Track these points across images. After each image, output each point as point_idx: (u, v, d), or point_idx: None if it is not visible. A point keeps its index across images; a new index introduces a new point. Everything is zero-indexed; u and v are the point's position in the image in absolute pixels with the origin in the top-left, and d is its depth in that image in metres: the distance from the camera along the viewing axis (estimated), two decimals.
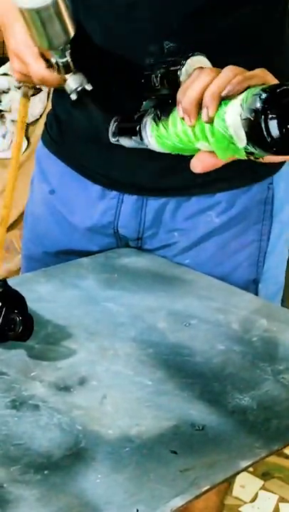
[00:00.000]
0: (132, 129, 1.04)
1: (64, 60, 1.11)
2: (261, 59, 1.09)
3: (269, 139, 0.82)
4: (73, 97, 1.15)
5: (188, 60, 0.98)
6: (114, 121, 1.09)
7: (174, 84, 0.98)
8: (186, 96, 0.91)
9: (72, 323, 1.14)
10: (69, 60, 1.11)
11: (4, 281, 1.07)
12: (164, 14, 1.13)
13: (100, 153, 1.29)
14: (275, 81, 0.90)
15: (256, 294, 1.34)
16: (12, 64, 1.18)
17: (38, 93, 1.37)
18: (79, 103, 1.18)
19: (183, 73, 0.97)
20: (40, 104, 2.66)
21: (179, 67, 0.98)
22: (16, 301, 1.05)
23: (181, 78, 0.97)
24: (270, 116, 0.82)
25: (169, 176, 1.27)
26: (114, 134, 1.08)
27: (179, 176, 1.24)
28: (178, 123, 0.97)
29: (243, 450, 0.92)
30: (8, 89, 2.73)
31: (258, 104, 0.82)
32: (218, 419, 0.97)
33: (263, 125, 0.82)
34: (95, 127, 1.25)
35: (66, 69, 1.13)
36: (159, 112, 0.99)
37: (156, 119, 1.00)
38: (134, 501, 0.82)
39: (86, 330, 1.13)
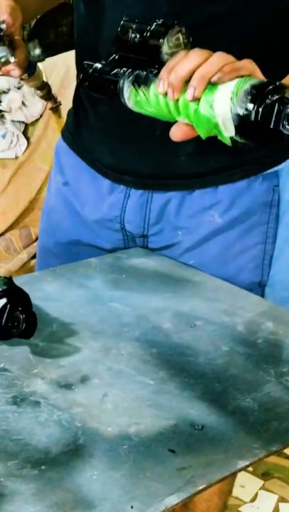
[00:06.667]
0: (106, 88, 1.03)
1: None
2: (253, 46, 1.10)
3: (258, 133, 0.89)
4: None
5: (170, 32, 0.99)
6: (83, 69, 1.07)
7: (153, 52, 0.99)
8: (175, 71, 0.93)
9: (77, 322, 1.15)
10: None
11: (10, 278, 1.08)
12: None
13: (110, 147, 1.31)
14: (261, 74, 0.93)
15: (262, 297, 1.34)
16: None
17: (57, 105, 1.39)
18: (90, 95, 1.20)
19: (165, 43, 0.98)
20: (40, 104, 2.68)
21: (160, 38, 0.99)
22: (20, 298, 1.05)
23: (164, 50, 0.98)
24: (260, 114, 0.87)
25: (173, 163, 1.28)
26: (84, 83, 1.07)
27: (183, 164, 1.27)
28: (160, 95, 0.98)
29: (242, 450, 0.92)
30: (8, 89, 2.76)
31: (249, 104, 0.88)
32: (217, 419, 0.97)
33: (253, 122, 0.88)
34: (102, 120, 1.26)
35: None
36: (138, 79, 1.00)
37: (136, 85, 1.00)
38: (129, 498, 0.83)
39: (91, 329, 1.14)
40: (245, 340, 1.15)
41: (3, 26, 1.17)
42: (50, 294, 1.23)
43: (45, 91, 1.42)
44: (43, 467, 0.86)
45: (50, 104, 1.40)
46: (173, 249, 1.37)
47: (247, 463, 0.90)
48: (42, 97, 1.42)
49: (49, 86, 1.54)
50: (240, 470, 0.90)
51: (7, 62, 1.19)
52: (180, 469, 0.88)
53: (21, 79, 1.37)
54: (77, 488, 0.83)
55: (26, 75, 1.37)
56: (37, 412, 0.95)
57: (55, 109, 1.42)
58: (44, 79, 1.52)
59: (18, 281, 1.15)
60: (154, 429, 0.94)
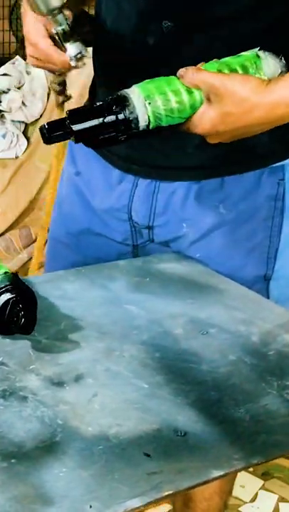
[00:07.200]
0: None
1: (61, 28, 1.19)
2: (263, 47, 1.09)
3: None
4: (73, 63, 1.22)
5: None
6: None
7: None
8: None
9: (88, 322, 1.16)
10: (66, 29, 1.20)
11: (15, 274, 1.10)
12: None
13: None
14: None
15: (267, 291, 1.35)
16: (26, 50, 1.27)
17: (68, 99, 1.42)
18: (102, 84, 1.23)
19: None
20: (40, 104, 2.70)
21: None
22: (24, 294, 1.07)
23: None
24: None
25: (180, 154, 1.30)
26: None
27: (189, 155, 1.29)
28: None
29: (220, 460, 0.90)
30: (8, 89, 2.79)
31: None
32: (203, 427, 0.95)
33: None
34: None
35: (64, 37, 1.20)
36: None
37: None
38: (91, 498, 0.83)
39: (99, 330, 1.14)
40: (256, 350, 1.13)
41: (65, 22, 1.20)
42: (69, 293, 1.24)
43: (62, 86, 1.46)
44: (12, 460, 0.87)
45: (60, 99, 1.42)
46: (178, 242, 1.38)
47: (222, 473, 0.89)
48: (57, 92, 1.44)
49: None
50: (213, 480, 0.89)
51: (82, 58, 1.23)
52: (150, 474, 0.87)
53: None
54: (41, 484, 0.84)
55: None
56: (22, 406, 0.96)
57: (62, 104, 1.44)
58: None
59: (40, 278, 1.17)
60: (135, 432, 0.93)
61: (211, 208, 1.33)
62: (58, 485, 0.84)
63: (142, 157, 1.31)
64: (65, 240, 1.48)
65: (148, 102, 1.07)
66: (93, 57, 1.37)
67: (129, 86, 1.09)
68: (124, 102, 1.08)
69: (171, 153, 1.29)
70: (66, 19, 1.19)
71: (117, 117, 1.07)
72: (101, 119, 1.07)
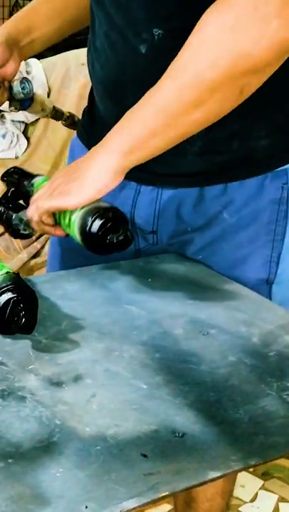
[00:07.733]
0: None
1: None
2: None
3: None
4: None
5: None
6: None
7: None
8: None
9: (88, 322, 1.16)
10: None
11: (17, 274, 1.10)
12: (155, 2, 1.17)
13: None
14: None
15: (269, 295, 1.34)
16: None
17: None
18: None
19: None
20: None
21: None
22: (25, 294, 1.07)
23: None
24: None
25: (180, 161, 1.30)
26: None
27: (190, 162, 1.29)
28: None
29: (217, 461, 0.90)
30: None
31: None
32: (202, 428, 0.95)
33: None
34: (112, 117, 1.28)
35: None
36: None
37: None
38: (87, 498, 0.83)
39: (99, 330, 1.14)
40: (256, 351, 1.12)
41: None
42: (69, 293, 1.25)
43: (69, 121, 1.48)
44: (9, 460, 0.87)
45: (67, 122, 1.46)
46: (183, 245, 1.38)
47: (219, 474, 0.89)
48: (66, 126, 1.47)
49: (73, 117, 1.58)
50: (210, 481, 0.89)
51: None
52: (147, 474, 0.87)
53: (11, 111, 1.47)
54: (37, 484, 0.84)
55: (13, 108, 1.46)
56: (20, 406, 0.96)
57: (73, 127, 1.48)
58: (64, 110, 1.57)
59: (41, 278, 1.17)
60: (133, 433, 0.93)
61: (216, 214, 1.33)
62: (54, 485, 0.84)
63: (144, 164, 1.31)
64: (66, 243, 1.47)
65: None
66: (88, 68, 1.37)
67: (125, 94, 1.10)
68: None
69: (172, 160, 1.29)
70: None
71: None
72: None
